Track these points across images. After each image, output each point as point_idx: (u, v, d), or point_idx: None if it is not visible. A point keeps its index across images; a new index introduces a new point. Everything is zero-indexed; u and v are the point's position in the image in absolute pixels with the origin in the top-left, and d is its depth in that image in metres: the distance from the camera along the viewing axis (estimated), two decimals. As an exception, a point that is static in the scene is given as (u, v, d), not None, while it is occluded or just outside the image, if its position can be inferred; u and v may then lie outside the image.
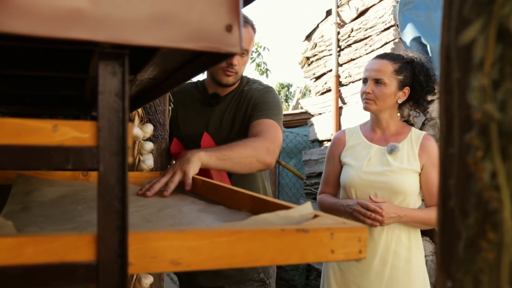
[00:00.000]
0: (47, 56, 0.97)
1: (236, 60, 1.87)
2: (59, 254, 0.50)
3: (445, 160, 0.38)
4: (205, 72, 2.07)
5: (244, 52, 1.91)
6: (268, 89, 2.00)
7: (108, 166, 0.49)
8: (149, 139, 1.70)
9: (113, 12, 0.45)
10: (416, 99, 2.02)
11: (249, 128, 1.83)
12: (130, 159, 0.52)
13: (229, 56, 0.51)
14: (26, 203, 1.13)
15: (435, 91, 2.09)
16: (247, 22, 1.91)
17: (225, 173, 1.86)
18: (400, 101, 1.99)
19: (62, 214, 1.00)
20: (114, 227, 0.50)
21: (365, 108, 1.99)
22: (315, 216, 0.69)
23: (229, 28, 0.48)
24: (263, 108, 1.87)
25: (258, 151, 1.68)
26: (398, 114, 2.07)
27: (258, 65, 7.68)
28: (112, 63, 0.49)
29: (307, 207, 0.71)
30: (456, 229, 0.35)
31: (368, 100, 1.96)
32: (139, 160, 1.66)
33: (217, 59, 0.57)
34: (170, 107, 1.89)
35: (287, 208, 0.77)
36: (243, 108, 1.94)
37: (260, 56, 7.72)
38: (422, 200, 2.02)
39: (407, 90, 1.97)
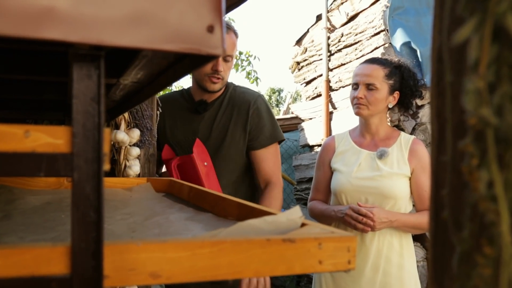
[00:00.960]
0: (29, 60, 0.94)
1: (221, 66, 1.88)
2: (30, 267, 0.47)
3: (437, 168, 0.36)
4: (191, 80, 2.06)
5: (228, 58, 1.92)
6: (262, 97, 2.08)
7: (83, 174, 0.47)
8: (135, 145, 1.67)
9: (87, 12, 0.42)
10: (406, 104, 2.02)
11: (258, 156, 1.99)
12: (107, 167, 0.49)
13: (211, 58, 0.49)
14: (8, 211, 1.09)
15: (423, 95, 2.10)
16: (229, 28, 1.94)
17: (215, 179, 1.85)
18: (390, 106, 1.99)
19: (44, 223, 0.97)
20: (89, 238, 0.47)
21: (357, 113, 1.99)
22: (303, 225, 0.67)
23: (210, 29, 0.46)
24: (266, 125, 2.00)
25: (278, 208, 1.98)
26: (388, 119, 2.06)
27: (249, 73, 7.71)
28: (87, 65, 0.46)
29: (296, 211, 0.68)
30: (449, 242, 0.33)
31: (360, 105, 1.95)
32: (125, 165, 1.63)
33: (200, 62, 0.54)
34: (158, 112, 1.86)
35: (274, 215, 0.75)
36: (240, 116, 1.97)
37: (251, 65, 7.75)
38: (413, 205, 2.01)
39: (396, 94, 1.97)
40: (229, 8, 1.77)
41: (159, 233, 0.86)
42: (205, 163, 1.86)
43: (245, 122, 1.96)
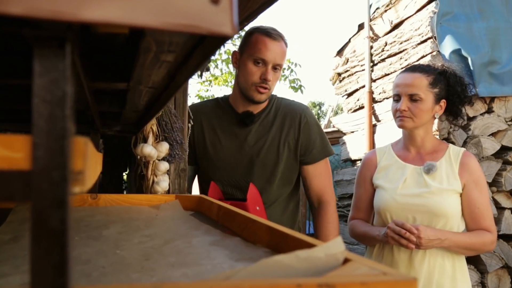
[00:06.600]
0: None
1: (270, 74, 1.79)
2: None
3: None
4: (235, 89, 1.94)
5: (277, 67, 1.83)
6: (309, 109, 2.01)
7: (45, 199, 0.34)
8: (164, 159, 1.56)
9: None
10: (454, 112, 1.85)
11: (309, 172, 1.92)
12: (81, 188, 0.37)
13: (221, 41, 0.36)
14: (19, 232, 1.00)
15: (473, 101, 1.93)
16: (280, 36, 1.84)
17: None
18: (437, 116, 1.83)
19: (52, 247, 0.87)
20: (53, 284, 0.35)
21: (400, 126, 1.83)
22: (346, 260, 0.52)
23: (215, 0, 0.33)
24: (318, 139, 1.92)
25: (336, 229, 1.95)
26: (435, 130, 1.90)
27: (292, 81, 7.58)
28: (53, 53, 0.34)
29: (337, 244, 0.54)
30: None
31: (403, 117, 1.79)
32: (153, 181, 1.52)
33: (210, 49, 0.42)
34: (189, 125, 1.75)
35: (311, 245, 0.61)
36: (291, 129, 1.89)
37: (293, 73, 7.63)
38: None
39: (443, 103, 1.82)
40: (261, 8, 1.65)
41: (174, 262, 0.74)
42: (257, 208, 1.75)
43: (296, 135, 1.89)
